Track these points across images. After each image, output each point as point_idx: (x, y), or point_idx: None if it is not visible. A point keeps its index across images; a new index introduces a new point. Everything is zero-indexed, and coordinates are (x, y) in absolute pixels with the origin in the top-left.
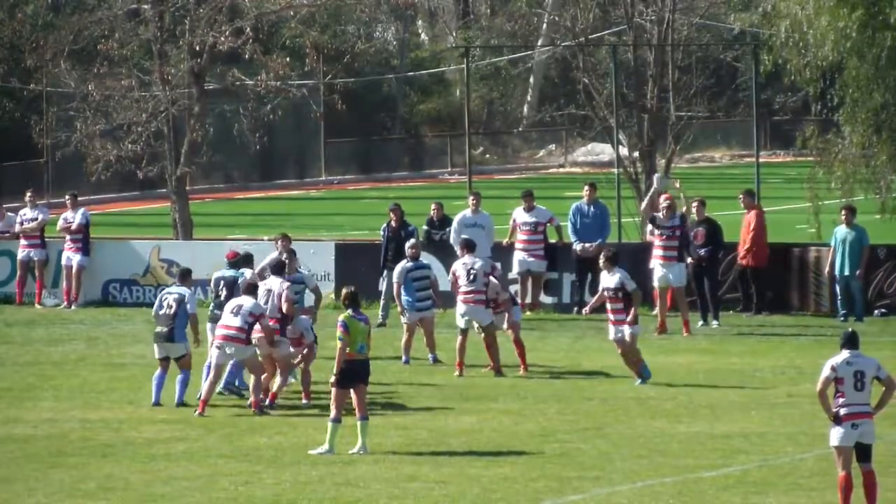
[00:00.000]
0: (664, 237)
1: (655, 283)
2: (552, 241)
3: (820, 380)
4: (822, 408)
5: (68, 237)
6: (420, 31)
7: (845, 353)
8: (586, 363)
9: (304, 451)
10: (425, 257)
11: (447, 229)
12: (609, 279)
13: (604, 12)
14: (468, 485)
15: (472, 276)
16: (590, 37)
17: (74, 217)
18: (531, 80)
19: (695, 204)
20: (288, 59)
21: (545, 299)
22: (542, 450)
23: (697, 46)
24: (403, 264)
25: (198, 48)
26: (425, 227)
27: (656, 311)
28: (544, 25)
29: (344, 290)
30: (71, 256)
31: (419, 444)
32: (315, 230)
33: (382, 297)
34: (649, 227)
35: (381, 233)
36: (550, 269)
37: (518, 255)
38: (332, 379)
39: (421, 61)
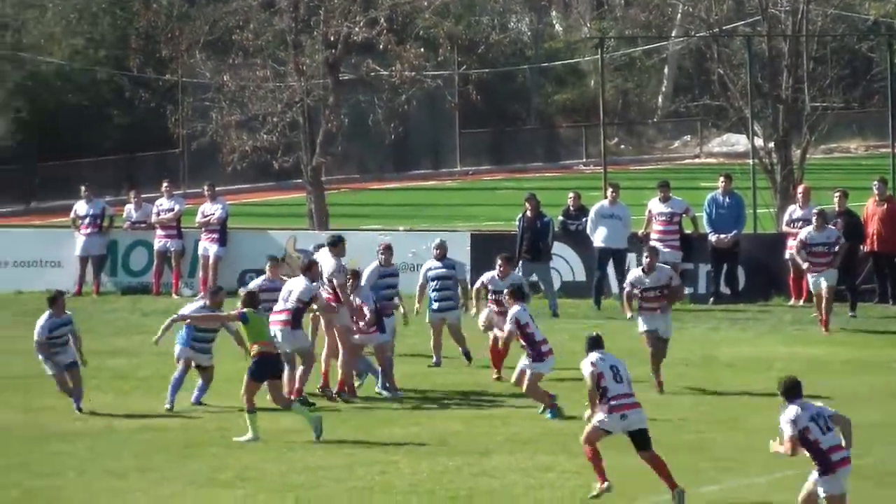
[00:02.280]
0: (816, 254)
1: (812, 289)
2: (688, 231)
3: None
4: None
5: (203, 227)
6: (554, 21)
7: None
8: (721, 354)
9: (440, 442)
10: (561, 248)
11: (583, 219)
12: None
13: (738, 3)
14: None
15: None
16: (724, 27)
17: (213, 210)
18: (666, 70)
19: (837, 195)
20: (422, 49)
21: None
22: (677, 441)
23: (832, 37)
24: (427, 265)
25: (332, 38)
26: (561, 218)
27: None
28: (678, 16)
29: (242, 291)
30: (207, 247)
31: (555, 433)
32: (450, 221)
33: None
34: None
35: (517, 223)
36: (685, 260)
37: (654, 245)
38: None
39: (555, 52)
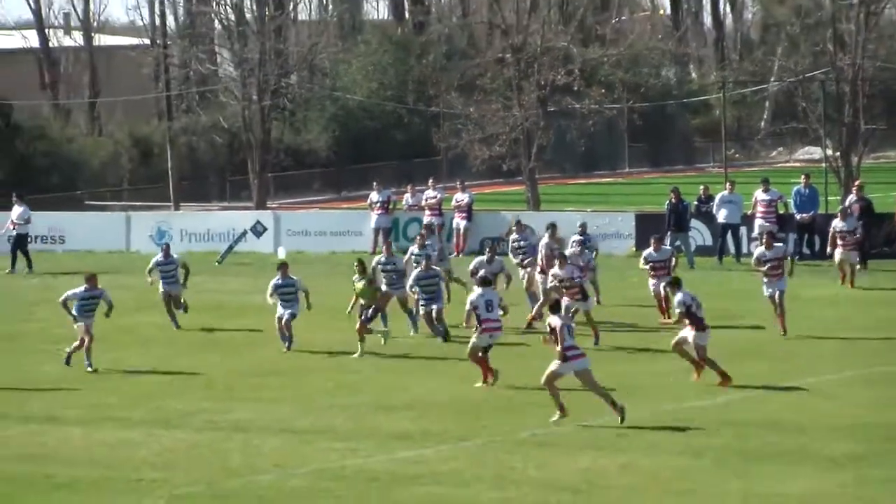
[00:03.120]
0: (844, 238)
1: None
2: (781, 212)
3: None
4: None
5: (456, 210)
6: (691, 70)
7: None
8: (807, 294)
9: None
10: (696, 223)
11: (711, 203)
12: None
13: (815, 58)
14: None
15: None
16: (806, 75)
17: (463, 197)
18: (766, 104)
19: (856, 184)
20: (603, 90)
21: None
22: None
23: (878, 82)
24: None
25: (543, 83)
26: (696, 202)
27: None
28: (776, 67)
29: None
30: (459, 222)
31: None
32: (621, 205)
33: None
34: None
35: (666, 207)
36: (780, 232)
37: (758, 221)
38: None
39: (693, 91)
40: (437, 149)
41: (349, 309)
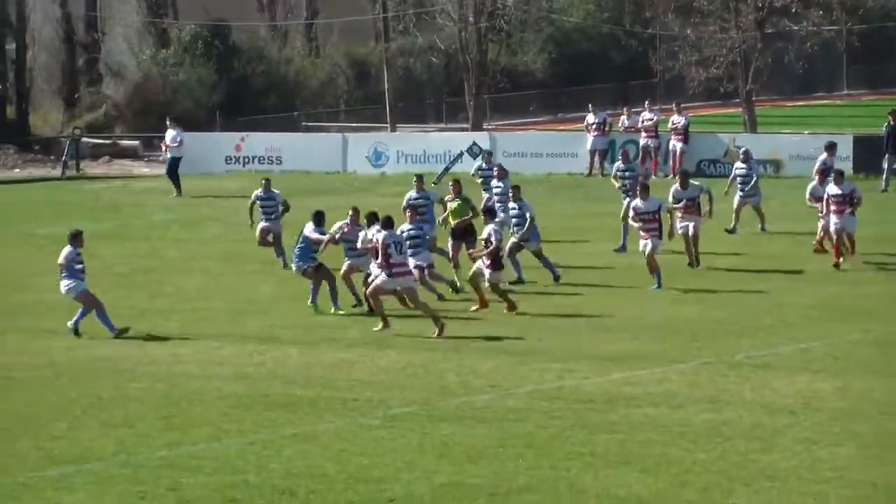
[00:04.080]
0: (836, 202)
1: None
2: None
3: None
4: None
5: (672, 133)
6: None
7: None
8: None
9: None
10: None
11: None
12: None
13: None
14: None
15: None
16: None
17: (679, 120)
18: None
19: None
20: (821, 11)
21: None
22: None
23: None
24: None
25: (760, 5)
26: None
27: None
28: None
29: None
30: (675, 144)
31: None
32: (839, 127)
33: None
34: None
35: (883, 129)
36: None
37: None
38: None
39: None
40: (653, 71)
41: (439, 220)
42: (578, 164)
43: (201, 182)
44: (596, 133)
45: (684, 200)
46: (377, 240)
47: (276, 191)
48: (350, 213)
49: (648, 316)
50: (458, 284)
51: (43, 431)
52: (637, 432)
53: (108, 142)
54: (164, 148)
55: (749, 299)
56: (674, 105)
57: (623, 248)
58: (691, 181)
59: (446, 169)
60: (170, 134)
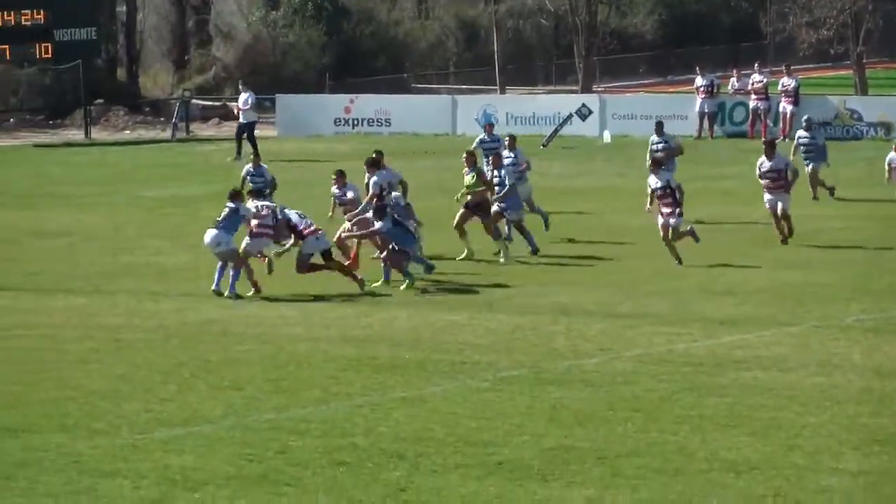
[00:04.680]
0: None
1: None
2: None
3: None
4: None
5: (783, 95)
6: None
7: None
8: None
9: None
10: None
11: None
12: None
13: None
14: None
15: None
16: None
17: (789, 82)
18: None
19: None
20: None
21: None
22: None
23: None
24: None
25: None
26: None
27: None
28: None
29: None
30: (785, 106)
31: None
32: None
33: None
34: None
35: None
36: None
37: None
38: None
39: None
40: (763, 32)
41: (457, 197)
42: (688, 126)
43: (310, 144)
44: (704, 95)
45: (765, 172)
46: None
47: (264, 166)
48: (334, 176)
49: (754, 280)
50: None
51: (152, 394)
52: (746, 396)
53: (217, 104)
54: (236, 111)
55: (855, 263)
56: (784, 67)
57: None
58: (778, 153)
59: (555, 131)
60: (242, 97)
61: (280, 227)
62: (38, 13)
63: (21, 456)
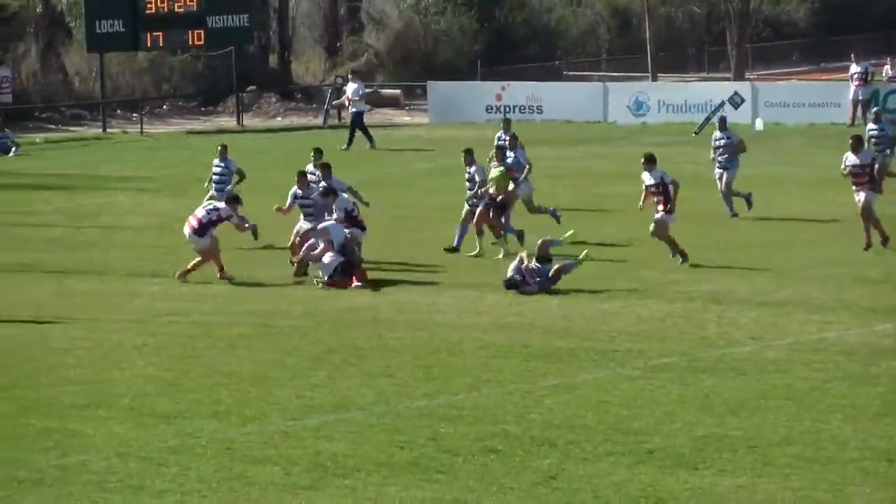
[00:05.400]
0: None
1: None
2: None
3: None
4: None
5: None
6: None
7: None
8: None
9: None
10: None
11: None
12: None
13: None
14: None
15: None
16: None
17: None
18: None
19: None
20: None
21: None
22: None
23: None
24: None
25: None
26: None
27: None
28: None
29: None
30: None
31: None
32: None
33: None
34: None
35: None
36: None
37: None
38: None
39: None
40: None
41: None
42: (841, 114)
43: (462, 131)
44: (859, 83)
45: (850, 167)
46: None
47: (231, 159)
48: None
49: None
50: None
51: (303, 380)
52: None
53: (369, 90)
54: (346, 102)
55: None
56: None
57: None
58: (864, 148)
59: (707, 119)
60: (351, 87)
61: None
62: (191, 0)
63: (174, 442)
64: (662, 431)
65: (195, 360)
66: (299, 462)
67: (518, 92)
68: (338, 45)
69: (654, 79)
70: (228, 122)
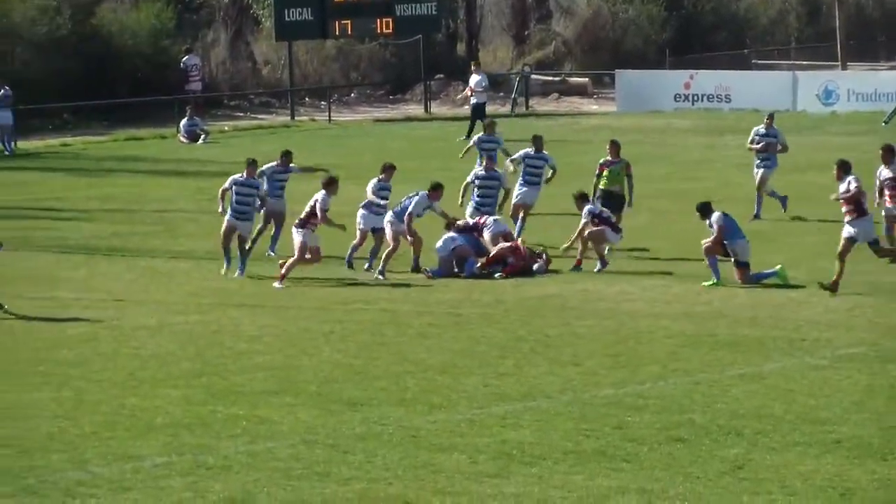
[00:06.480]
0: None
1: None
2: None
3: None
4: None
5: None
6: None
7: None
8: None
9: None
10: None
11: None
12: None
13: None
14: None
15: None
16: None
17: None
18: None
19: None
20: None
21: None
22: None
23: None
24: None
25: None
26: None
27: None
28: None
29: None
30: None
31: None
32: None
33: None
34: None
35: None
36: None
37: None
38: None
39: None
40: None
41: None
42: None
43: (650, 120)
44: None
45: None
46: None
47: (293, 165)
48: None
49: None
50: None
51: (490, 368)
52: None
53: (557, 79)
54: (469, 92)
55: None
56: None
57: (757, 216)
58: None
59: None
60: (474, 78)
61: None
62: None
63: (360, 429)
64: (850, 421)
65: (383, 348)
66: (485, 450)
67: (706, 81)
68: (525, 33)
69: (844, 67)
70: (416, 109)
